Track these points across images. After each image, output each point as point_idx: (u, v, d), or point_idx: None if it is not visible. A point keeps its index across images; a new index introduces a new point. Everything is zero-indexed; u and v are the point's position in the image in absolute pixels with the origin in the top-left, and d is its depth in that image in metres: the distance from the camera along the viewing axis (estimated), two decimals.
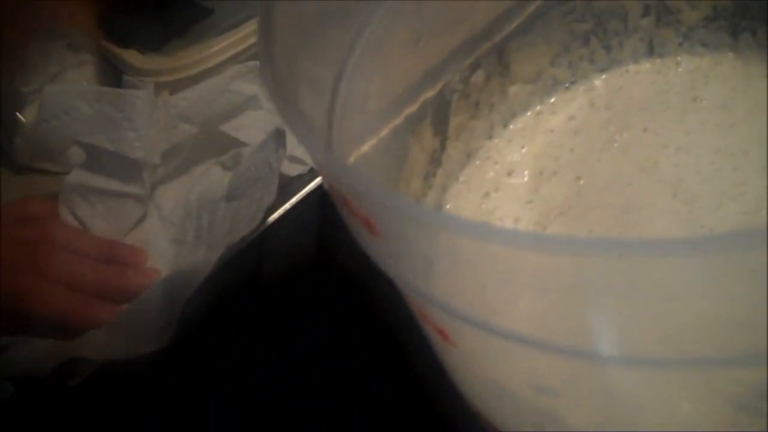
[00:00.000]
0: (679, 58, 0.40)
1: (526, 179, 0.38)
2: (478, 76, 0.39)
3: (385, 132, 0.34)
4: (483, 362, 0.28)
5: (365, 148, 0.33)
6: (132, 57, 0.52)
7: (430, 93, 0.37)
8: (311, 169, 0.46)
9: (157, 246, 0.44)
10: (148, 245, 0.45)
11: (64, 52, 0.53)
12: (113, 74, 0.52)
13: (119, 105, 0.46)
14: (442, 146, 0.38)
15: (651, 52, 0.41)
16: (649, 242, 0.19)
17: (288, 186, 0.46)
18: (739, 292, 0.21)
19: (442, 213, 0.25)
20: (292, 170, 0.46)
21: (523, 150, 0.39)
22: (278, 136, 0.43)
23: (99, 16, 0.54)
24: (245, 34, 0.52)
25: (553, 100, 0.41)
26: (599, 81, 0.41)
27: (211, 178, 0.45)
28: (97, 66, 0.54)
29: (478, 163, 0.39)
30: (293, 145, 0.45)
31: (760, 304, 0.21)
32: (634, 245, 0.20)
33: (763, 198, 0.34)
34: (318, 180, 0.45)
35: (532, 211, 0.37)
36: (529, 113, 0.40)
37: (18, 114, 0.51)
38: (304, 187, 0.46)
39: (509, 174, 0.39)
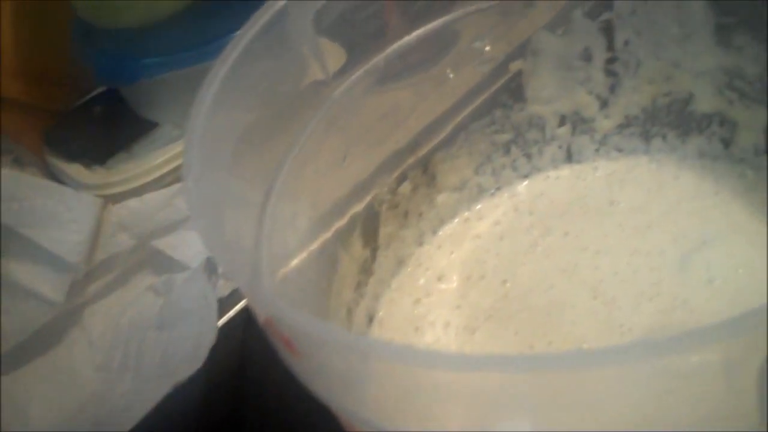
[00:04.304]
0: (596, 164, 0.42)
1: (455, 284, 0.40)
2: (406, 187, 0.41)
3: (314, 246, 0.36)
4: None
5: (295, 262, 0.34)
6: (77, 171, 0.53)
7: (359, 207, 0.38)
8: None
9: (82, 373, 0.44)
10: (73, 372, 0.44)
11: (11, 167, 0.54)
12: None
13: (70, 204, 0.46)
14: (373, 256, 0.40)
15: (569, 158, 0.43)
16: (555, 356, 0.21)
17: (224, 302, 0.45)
18: (657, 395, 0.22)
19: (357, 337, 0.26)
20: (226, 289, 0.45)
21: (452, 255, 0.41)
22: (211, 264, 0.43)
23: (44, 130, 0.55)
24: None
25: (479, 206, 0.42)
26: (522, 187, 0.43)
27: (143, 303, 0.45)
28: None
29: (409, 270, 0.41)
30: None
31: (679, 403, 0.22)
32: (546, 360, 0.21)
33: (678, 297, 0.36)
34: None
35: (461, 316, 0.38)
36: (457, 220, 0.42)
37: None
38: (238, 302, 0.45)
39: (439, 279, 0.40)
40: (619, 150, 0.42)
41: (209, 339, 0.41)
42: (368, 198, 0.39)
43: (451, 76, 0.41)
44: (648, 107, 0.41)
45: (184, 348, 0.42)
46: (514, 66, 0.41)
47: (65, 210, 0.46)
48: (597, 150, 0.43)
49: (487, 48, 0.41)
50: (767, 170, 0.39)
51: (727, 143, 0.40)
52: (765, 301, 0.20)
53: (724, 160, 0.41)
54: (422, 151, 0.41)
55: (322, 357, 0.25)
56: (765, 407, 0.22)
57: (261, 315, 0.26)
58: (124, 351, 0.44)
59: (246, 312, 0.44)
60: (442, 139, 0.41)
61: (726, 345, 0.20)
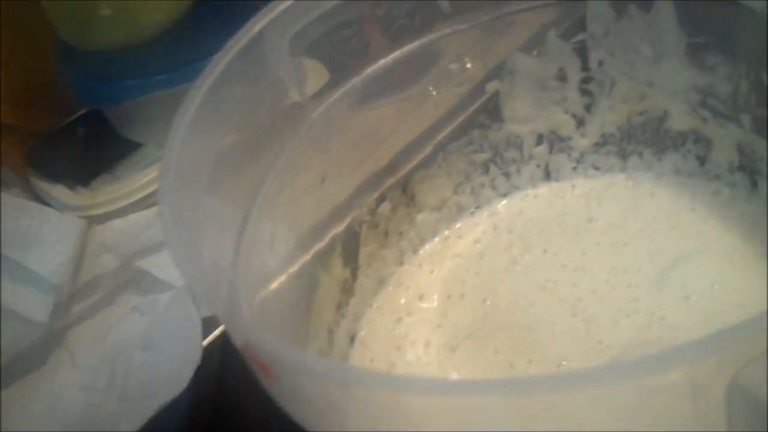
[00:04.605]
0: (573, 182, 0.43)
1: (435, 303, 0.40)
2: (385, 208, 0.41)
3: (294, 267, 0.36)
4: None
5: (274, 284, 0.34)
6: (60, 192, 0.53)
7: (339, 228, 0.39)
8: None
9: (67, 394, 0.44)
10: (57, 393, 0.43)
11: None
12: None
13: (54, 226, 0.46)
14: (354, 276, 0.40)
15: (548, 176, 0.43)
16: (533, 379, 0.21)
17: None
18: (629, 413, 0.23)
19: (332, 364, 0.26)
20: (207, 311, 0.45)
21: (433, 274, 0.41)
22: None
23: (28, 152, 0.55)
24: None
25: (459, 225, 0.43)
26: (501, 206, 0.43)
27: (127, 323, 0.45)
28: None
29: (390, 289, 0.41)
30: None
31: (649, 422, 0.23)
32: (523, 384, 0.21)
33: (655, 313, 0.36)
34: None
35: (441, 334, 0.38)
36: (437, 239, 0.42)
37: None
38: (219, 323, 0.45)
39: (420, 298, 0.40)
40: (596, 168, 0.43)
41: (194, 359, 0.41)
42: (348, 219, 0.39)
43: (434, 93, 0.41)
44: (624, 125, 0.42)
45: (169, 368, 0.42)
46: (491, 86, 0.41)
47: (49, 231, 0.46)
48: (574, 168, 0.43)
49: (468, 65, 0.41)
50: (742, 187, 0.40)
51: (702, 160, 0.41)
52: (740, 317, 0.20)
53: (699, 176, 0.41)
54: (401, 172, 0.41)
55: (298, 382, 0.25)
56: (733, 425, 0.22)
57: (238, 340, 0.26)
58: (109, 372, 0.43)
59: (225, 333, 0.44)
60: (421, 159, 0.41)
61: (695, 364, 0.21)
